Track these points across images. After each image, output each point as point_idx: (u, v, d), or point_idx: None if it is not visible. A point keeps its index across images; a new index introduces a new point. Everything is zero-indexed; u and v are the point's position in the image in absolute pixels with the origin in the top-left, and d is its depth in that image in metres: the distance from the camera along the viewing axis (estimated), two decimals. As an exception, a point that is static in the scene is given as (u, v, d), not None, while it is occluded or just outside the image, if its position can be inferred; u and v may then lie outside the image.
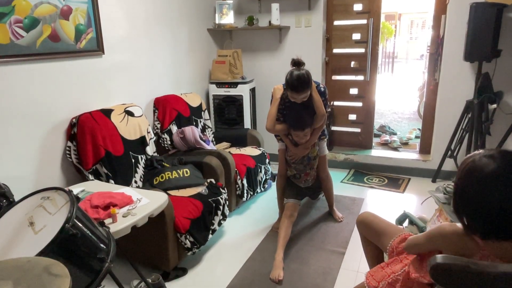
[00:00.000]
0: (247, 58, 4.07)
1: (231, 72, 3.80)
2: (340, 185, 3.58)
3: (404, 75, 12.85)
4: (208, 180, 2.61)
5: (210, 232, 2.40)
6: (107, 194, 1.86)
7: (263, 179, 3.29)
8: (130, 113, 2.65)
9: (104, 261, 1.32)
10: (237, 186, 2.97)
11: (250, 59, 4.07)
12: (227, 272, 2.30)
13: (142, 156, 2.66)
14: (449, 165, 3.47)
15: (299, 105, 2.45)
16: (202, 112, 3.49)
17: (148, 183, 2.55)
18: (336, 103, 4.12)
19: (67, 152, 2.35)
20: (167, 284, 2.12)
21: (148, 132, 2.75)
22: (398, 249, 1.53)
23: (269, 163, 3.44)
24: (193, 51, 3.65)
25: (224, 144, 3.51)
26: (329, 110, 3.93)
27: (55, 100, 2.29)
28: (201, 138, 3.12)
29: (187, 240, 2.21)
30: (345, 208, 3.08)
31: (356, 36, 3.81)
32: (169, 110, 3.13)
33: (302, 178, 2.78)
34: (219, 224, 2.51)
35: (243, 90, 3.73)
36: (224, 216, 2.57)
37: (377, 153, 4.03)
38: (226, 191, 2.68)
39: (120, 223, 1.65)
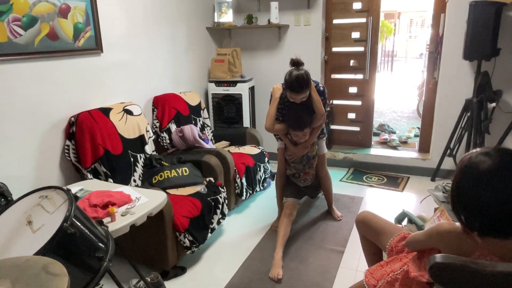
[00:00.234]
0: (246, 56, 4.06)
1: (230, 71, 3.79)
2: (339, 184, 3.58)
3: (403, 73, 12.85)
4: (207, 179, 2.61)
5: (209, 231, 2.40)
6: (106, 193, 1.85)
7: (262, 178, 3.29)
8: (129, 112, 2.64)
9: (102, 260, 1.32)
10: (236, 185, 2.97)
11: (249, 58, 4.07)
12: (226, 270, 2.30)
13: (141, 155, 2.66)
14: (448, 163, 3.47)
15: (298, 105, 2.44)
16: (201, 111, 3.48)
17: (147, 182, 2.55)
18: (335, 101, 4.12)
19: (66, 151, 2.34)
20: (166, 283, 2.12)
21: (147, 131, 2.75)
22: (398, 248, 1.53)
23: (268, 162, 3.44)
24: (192, 49, 3.65)
25: (223, 143, 3.50)
26: (328, 109, 3.93)
27: (54, 99, 2.28)
28: (200, 137, 3.12)
29: (186, 239, 2.21)
30: (344, 206, 3.08)
31: (356, 35, 3.81)
32: (168, 108, 3.13)
33: (301, 177, 2.78)
34: (218, 223, 2.51)
35: (242, 89, 3.73)
36: (223, 215, 2.56)
37: (376, 151, 4.03)
38: (225, 190, 2.67)
39: (119, 222, 1.65)
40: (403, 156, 3.85)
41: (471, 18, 2.91)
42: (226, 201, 2.62)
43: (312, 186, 2.88)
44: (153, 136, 2.92)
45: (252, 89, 3.92)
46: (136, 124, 2.65)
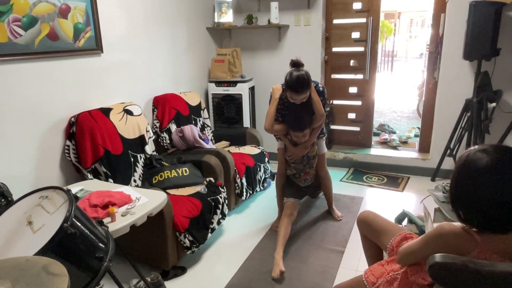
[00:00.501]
0: (246, 56, 4.06)
1: (230, 71, 3.79)
2: (340, 184, 3.58)
3: (403, 73, 12.84)
4: (207, 179, 2.61)
5: (209, 231, 2.40)
6: (106, 193, 1.86)
7: (262, 178, 3.29)
8: (129, 112, 2.64)
9: (103, 260, 1.32)
10: (236, 185, 2.97)
11: (249, 58, 4.07)
12: (226, 271, 2.30)
13: (141, 155, 2.66)
14: (448, 163, 3.47)
15: (298, 106, 2.44)
16: (201, 111, 3.48)
17: (147, 182, 2.55)
18: (335, 101, 4.12)
19: (66, 151, 2.34)
20: (166, 283, 2.12)
21: (147, 131, 2.75)
22: (399, 248, 1.53)
23: (268, 161, 3.44)
24: (192, 49, 3.65)
25: (223, 143, 3.50)
26: (328, 109, 3.93)
27: (54, 99, 2.29)
28: (200, 137, 3.12)
29: (186, 239, 2.21)
30: (344, 206, 3.08)
31: (356, 35, 3.81)
32: (168, 109, 3.13)
33: (301, 177, 2.78)
34: (218, 223, 2.51)
35: (242, 89, 3.73)
36: (223, 215, 2.56)
37: (377, 151, 4.03)
38: (225, 190, 2.67)
39: (119, 222, 1.65)
40: (403, 156, 3.85)
41: (471, 18, 2.91)
42: (226, 201, 2.62)
43: (312, 185, 2.88)
44: (153, 136, 2.92)
45: (252, 89, 3.92)
46: (136, 124, 2.65)
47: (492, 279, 1.05)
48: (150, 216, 1.81)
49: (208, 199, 2.43)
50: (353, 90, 4.01)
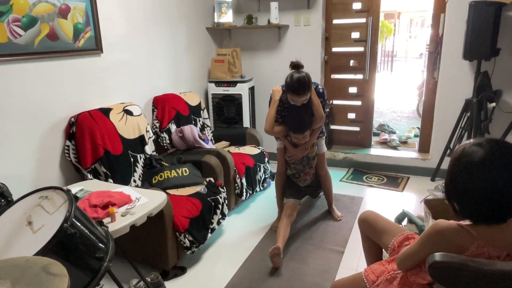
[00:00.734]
0: (246, 57, 4.06)
1: (230, 71, 3.79)
2: (339, 184, 3.58)
3: (403, 73, 12.85)
4: (207, 179, 2.61)
5: (209, 231, 2.40)
6: (106, 193, 1.86)
7: (262, 178, 3.29)
8: (129, 112, 2.64)
9: (102, 260, 1.32)
10: (236, 185, 2.97)
11: (249, 58, 4.07)
12: (226, 271, 2.30)
13: (141, 155, 2.66)
14: (448, 163, 3.47)
15: (298, 107, 2.44)
16: (201, 111, 3.48)
17: (147, 182, 2.55)
18: (335, 102, 4.12)
19: (66, 151, 2.34)
20: (166, 283, 2.12)
21: (147, 131, 2.75)
22: (400, 248, 1.53)
23: (268, 162, 3.44)
24: (192, 50, 3.65)
25: (223, 143, 3.50)
26: (328, 110, 3.93)
27: (54, 99, 2.29)
28: (200, 137, 3.12)
29: (186, 239, 2.21)
30: (344, 207, 3.08)
31: (355, 35, 3.81)
32: (168, 109, 3.13)
33: (301, 178, 2.78)
34: (218, 223, 2.51)
35: (242, 89, 3.73)
36: (223, 215, 2.56)
37: (376, 151, 4.03)
38: (225, 190, 2.67)
39: (119, 222, 1.65)
40: (403, 156, 3.85)
41: (471, 18, 2.91)
42: (226, 201, 2.62)
43: (313, 185, 2.89)
44: (153, 137, 2.92)
45: (252, 89, 3.92)
46: (136, 125, 2.65)
47: (491, 277, 1.06)
48: (150, 216, 1.81)
49: (208, 199, 2.43)
50: (353, 90, 4.01)
